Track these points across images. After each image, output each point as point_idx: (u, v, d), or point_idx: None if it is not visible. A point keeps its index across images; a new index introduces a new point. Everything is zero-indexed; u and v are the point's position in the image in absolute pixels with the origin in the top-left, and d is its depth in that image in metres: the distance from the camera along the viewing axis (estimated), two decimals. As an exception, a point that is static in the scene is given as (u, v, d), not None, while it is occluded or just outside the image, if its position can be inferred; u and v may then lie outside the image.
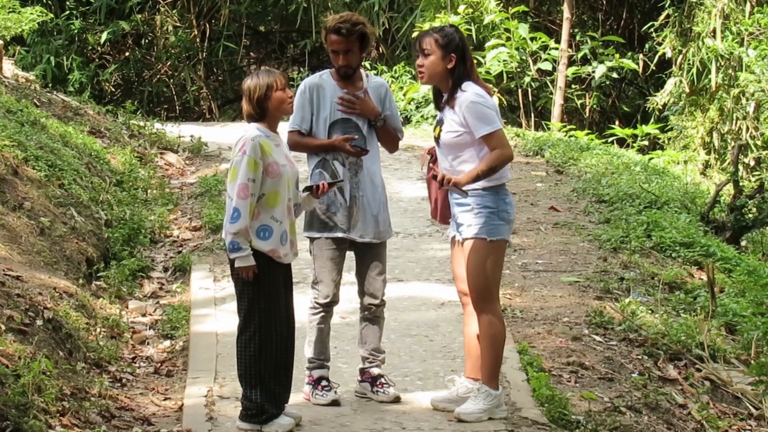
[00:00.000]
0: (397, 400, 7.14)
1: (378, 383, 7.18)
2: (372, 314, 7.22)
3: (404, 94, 19.21)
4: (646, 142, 19.13)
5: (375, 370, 7.22)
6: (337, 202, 7.09)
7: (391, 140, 7.27)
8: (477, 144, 6.68)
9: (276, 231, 6.49)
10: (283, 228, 6.53)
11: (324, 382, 7.12)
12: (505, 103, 19.27)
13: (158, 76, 23.52)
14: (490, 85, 7.17)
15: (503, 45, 18.92)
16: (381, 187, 7.22)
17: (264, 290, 6.48)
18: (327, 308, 7.15)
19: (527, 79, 19.29)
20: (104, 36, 21.96)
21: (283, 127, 6.87)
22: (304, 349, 7.16)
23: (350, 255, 7.26)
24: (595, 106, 21.22)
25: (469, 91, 6.68)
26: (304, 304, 7.18)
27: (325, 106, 7.10)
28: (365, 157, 7.12)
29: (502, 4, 19.74)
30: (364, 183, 7.12)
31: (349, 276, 7.52)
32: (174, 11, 23.35)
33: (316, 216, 7.10)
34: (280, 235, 6.52)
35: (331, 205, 7.08)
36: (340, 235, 7.09)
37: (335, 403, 7.06)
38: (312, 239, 7.15)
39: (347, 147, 7.03)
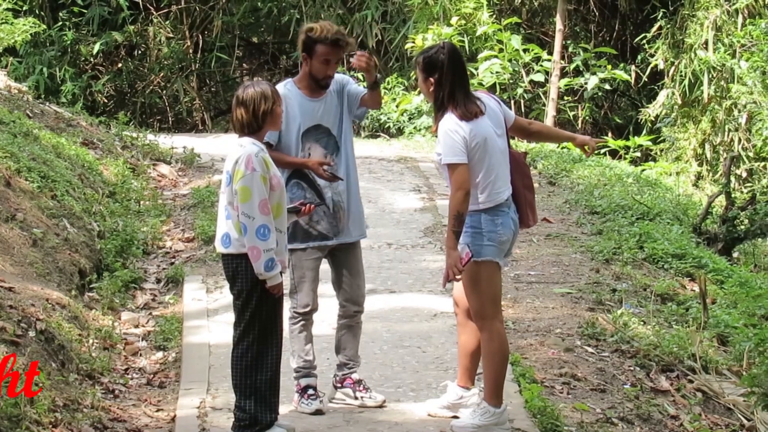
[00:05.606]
0: (383, 404, 7.19)
1: (361, 388, 7.21)
2: (354, 321, 7.24)
3: (397, 106, 19.22)
4: (638, 154, 19.16)
5: (356, 375, 7.25)
6: (320, 211, 7.09)
7: (378, 101, 7.25)
8: None
9: (281, 242, 6.49)
10: (284, 238, 6.55)
11: (310, 391, 7.13)
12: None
13: (151, 87, 23.53)
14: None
15: (496, 56, 18.95)
16: (356, 184, 7.25)
17: (269, 301, 6.46)
18: (306, 316, 7.16)
19: (520, 91, 19.31)
20: (97, 47, 21.96)
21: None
22: (290, 359, 7.15)
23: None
24: (587, 117, 21.24)
25: (447, 119, 6.67)
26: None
27: (295, 117, 7.06)
28: (340, 157, 7.12)
29: (494, 16, 19.77)
30: (343, 186, 7.14)
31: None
32: (167, 22, 23.37)
33: (299, 227, 7.09)
34: (284, 245, 6.54)
35: (314, 214, 7.07)
36: (326, 243, 7.12)
37: (319, 412, 7.06)
38: (292, 250, 7.11)
39: (321, 172, 7.01)
